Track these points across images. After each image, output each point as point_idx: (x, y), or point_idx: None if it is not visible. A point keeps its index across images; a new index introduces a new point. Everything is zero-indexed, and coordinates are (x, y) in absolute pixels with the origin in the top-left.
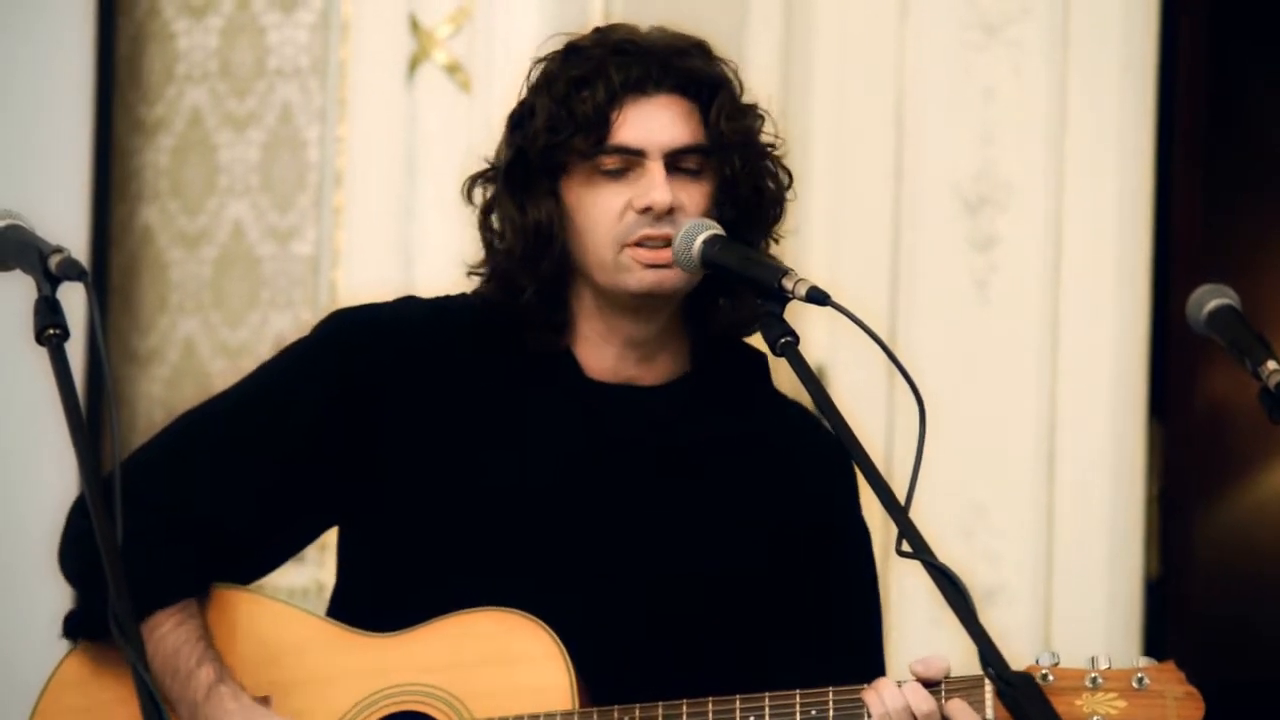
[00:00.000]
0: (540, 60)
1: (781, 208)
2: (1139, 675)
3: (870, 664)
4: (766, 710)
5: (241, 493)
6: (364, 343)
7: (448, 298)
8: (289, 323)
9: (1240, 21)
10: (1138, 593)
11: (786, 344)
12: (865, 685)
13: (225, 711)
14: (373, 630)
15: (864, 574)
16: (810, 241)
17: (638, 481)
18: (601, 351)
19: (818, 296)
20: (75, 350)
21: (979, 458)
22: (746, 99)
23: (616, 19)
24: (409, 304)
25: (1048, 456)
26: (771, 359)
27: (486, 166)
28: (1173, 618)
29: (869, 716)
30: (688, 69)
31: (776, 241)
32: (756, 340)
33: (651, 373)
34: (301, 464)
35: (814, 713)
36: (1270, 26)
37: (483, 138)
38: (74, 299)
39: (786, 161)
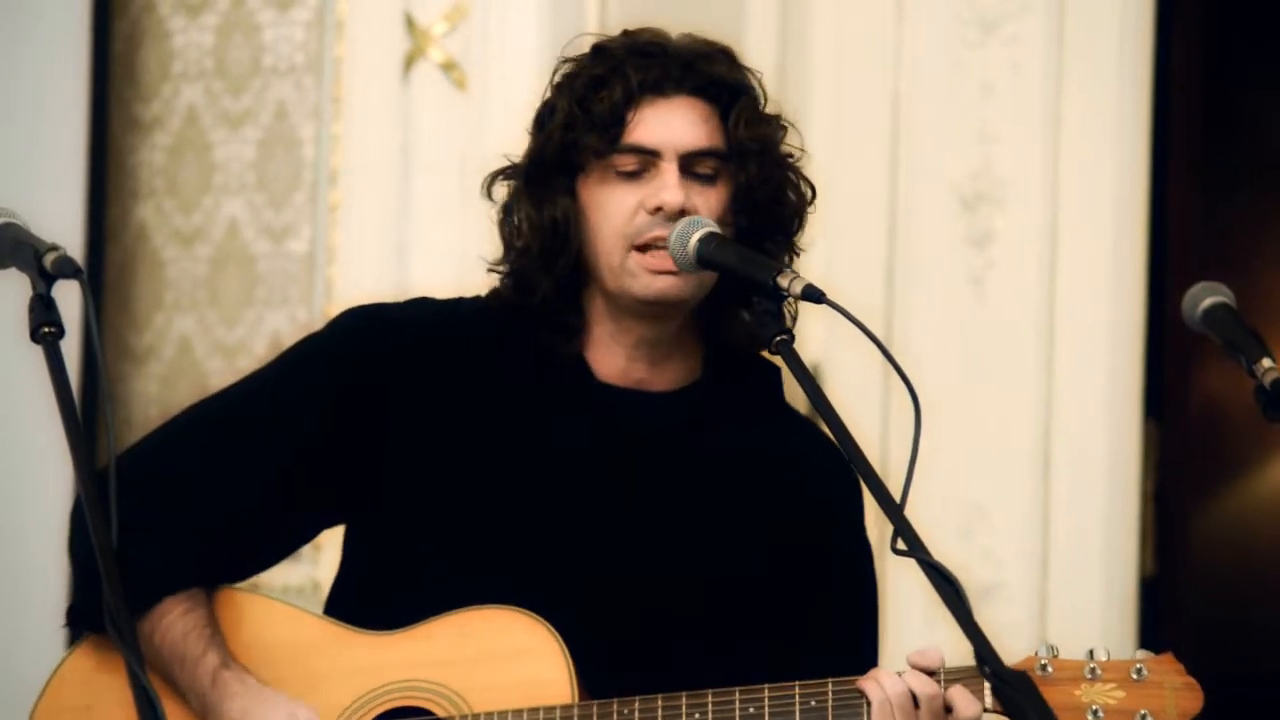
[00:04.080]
0: (567, 60)
1: (801, 220)
2: (1138, 666)
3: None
4: (766, 702)
5: (245, 486)
6: (375, 341)
7: (460, 300)
8: (284, 320)
9: (1235, 19)
10: (1133, 590)
11: (782, 342)
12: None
13: (230, 695)
14: (373, 628)
15: (862, 590)
16: (806, 239)
17: (642, 484)
18: (612, 353)
19: (813, 294)
20: (70, 348)
21: (975, 456)
22: (770, 108)
23: (612, 18)
24: (421, 305)
25: (1044, 454)
26: (787, 373)
27: (508, 164)
28: (1168, 615)
29: (868, 705)
30: (708, 72)
31: (797, 255)
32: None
33: (662, 378)
34: (307, 459)
35: (813, 704)
36: (1265, 25)
37: (478, 136)
38: (69, 297)
39: (800, 171)
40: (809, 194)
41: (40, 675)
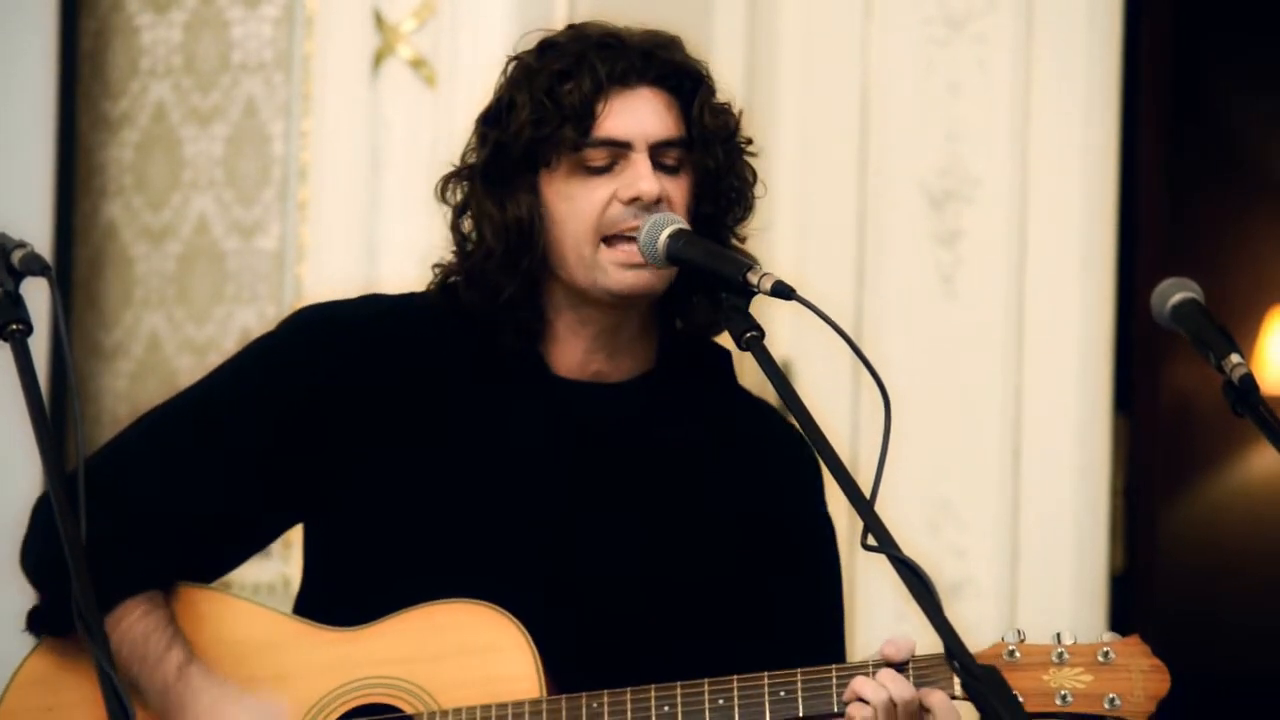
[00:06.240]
0: (515, 57)
1: (751, 205)
2: (1104, 649)
3: (830, 659)
4: (735, 693)
5: (205, 489)
6: (329, 340)
7: (412, 295)
8: (254, 317)
9: (1204, 16)
10: (1103, 586)
11: (752, 339)
12: (835, 665)
13: (196, 689)
14: (339, 625)
15: (826, 569)
16: (776, 237)
17: (601, 477)
18: (570, 346)
19: (783, 291)
20: (39, 346)
21: (945, 452)
22: (729, 103)
23: (582, 12)
24: (373, 301)
25: (1013, 450)
26: (736, 355)
27: (457, 166)
28: (1138, 611)
29: (841, 698)
30: (669, 61)
31: (742, 240)
32: (723, 338)
33: (619, 369)
34: (265, 460)
35: (782, 694)
36: (1234, 21)
37: (448, 133)
38: (38, 294)
39: (752, 158)
40: (752, 179)
41: (2, 678)
